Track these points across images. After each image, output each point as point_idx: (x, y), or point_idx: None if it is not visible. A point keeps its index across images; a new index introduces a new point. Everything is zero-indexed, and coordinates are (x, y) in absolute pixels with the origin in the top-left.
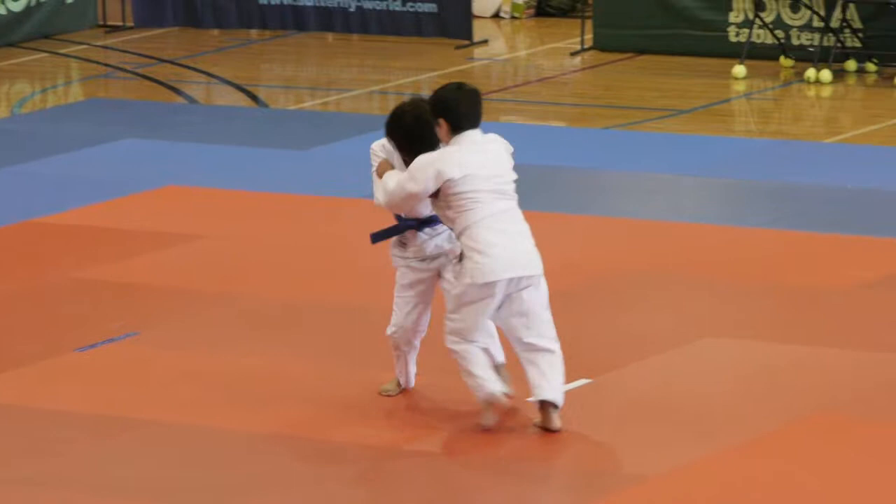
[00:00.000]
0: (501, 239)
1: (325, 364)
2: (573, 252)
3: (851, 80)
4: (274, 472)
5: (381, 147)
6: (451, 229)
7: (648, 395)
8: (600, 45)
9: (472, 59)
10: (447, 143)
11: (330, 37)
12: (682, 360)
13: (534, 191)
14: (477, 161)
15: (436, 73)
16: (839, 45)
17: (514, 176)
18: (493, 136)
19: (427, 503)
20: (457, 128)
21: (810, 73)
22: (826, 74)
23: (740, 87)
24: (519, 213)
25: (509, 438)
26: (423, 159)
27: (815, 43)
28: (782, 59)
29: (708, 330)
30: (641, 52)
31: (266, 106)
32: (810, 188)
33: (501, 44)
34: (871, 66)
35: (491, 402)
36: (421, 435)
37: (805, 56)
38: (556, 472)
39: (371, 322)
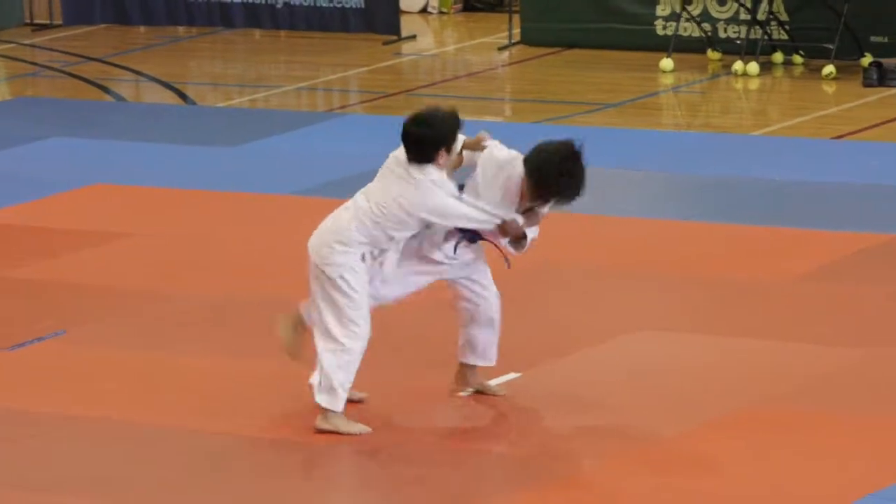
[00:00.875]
0: None
1: (258, 361)
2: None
3: (778, 72)
4: (207, 466)
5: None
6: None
7: (583, 388)
8: (528, 39)
9: (399, 54)
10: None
11: (257, 33)
12: (617, 353)
13: None
14: None
15: (364, 69)
16: (766, 37)
17: None
18: None
19: (367, 490)
20: None
21: (738, 65)
22: (753, 67)
23: (668, 80)
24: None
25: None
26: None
27: (742, 36)
28: (710, 52)
29: (641, 323)
30: (569, 46)
31: (194, 103)
32: (739, 181)
33: (429, 39)
34: (797, 59)
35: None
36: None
37: (732, 49)
38: (490, 462)
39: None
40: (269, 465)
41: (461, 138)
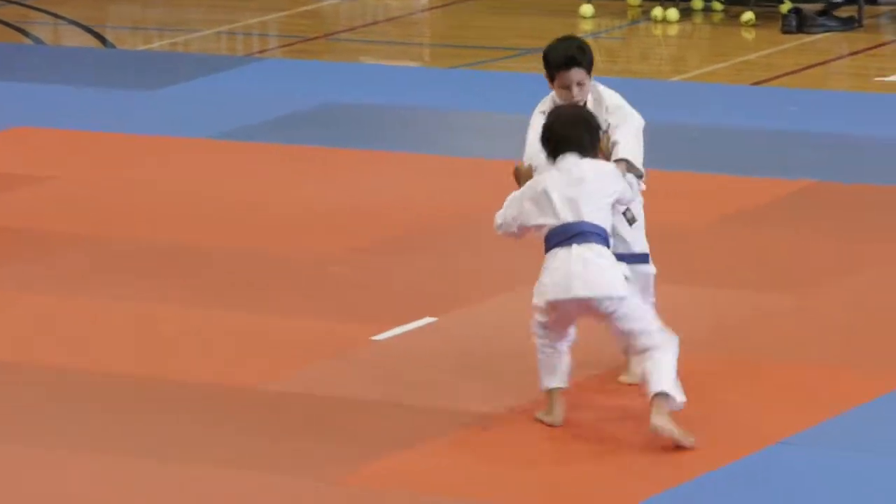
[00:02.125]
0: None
1: (179, 307)
2: (420, 192)
3: (698, 18)
4: (140, 415)
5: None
6: None
7: (494, 334)
8: None
9: None
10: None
11: None
12: (524, 300)
13: (384, 131)
14: None
15: (284, 14)
16: None
17: None
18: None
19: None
20: None
21: (657, 11)
22: (673, 13)
23: (588, 26)
24: None
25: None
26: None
27: None
28: None
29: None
30: None
31: (114, 47)
32: (657, 127)
33: None
34: (717, 5)
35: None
36: (280, 373)
37: None
38: (385, 409)
39: (230, 262)
40: (183, 408)
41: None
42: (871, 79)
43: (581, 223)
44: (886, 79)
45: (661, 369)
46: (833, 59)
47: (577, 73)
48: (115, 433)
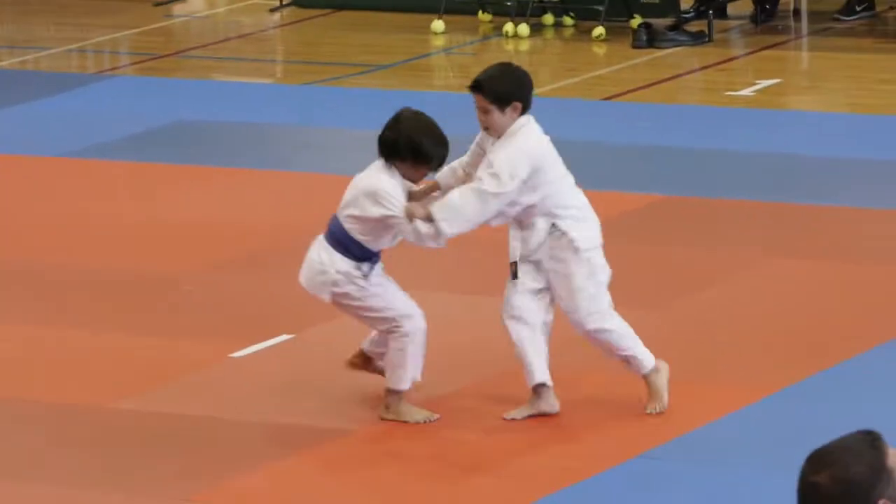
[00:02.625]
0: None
1: (40, 325)
2: (273, 209)
3: (549, 34)
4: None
5: (392, 187)
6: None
7: (351, 350)
8: (299, 1)
9: (170, 16)
10: (505, 129)
11: None
12: None
13: (237, 148)
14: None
15: (135, 31)
16: None
17: None
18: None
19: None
20: (527, 108)
21: (508, 27)
22: (524, 28)
23: (439, 41)
24: None
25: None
26: (511, 152)
27: None
28: (480, 13)
29: (425, 284)
30: (340, 7)
31: None
32: None
33: (200, 1)
34: (568, 20)
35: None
36: (135, 392)
37: (503, 10)
38: (242, 427)
39: (82, 280)
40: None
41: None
42: (722, 93)
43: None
44: (736, 93)
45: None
46: (684, 74)
47: (478, 99)
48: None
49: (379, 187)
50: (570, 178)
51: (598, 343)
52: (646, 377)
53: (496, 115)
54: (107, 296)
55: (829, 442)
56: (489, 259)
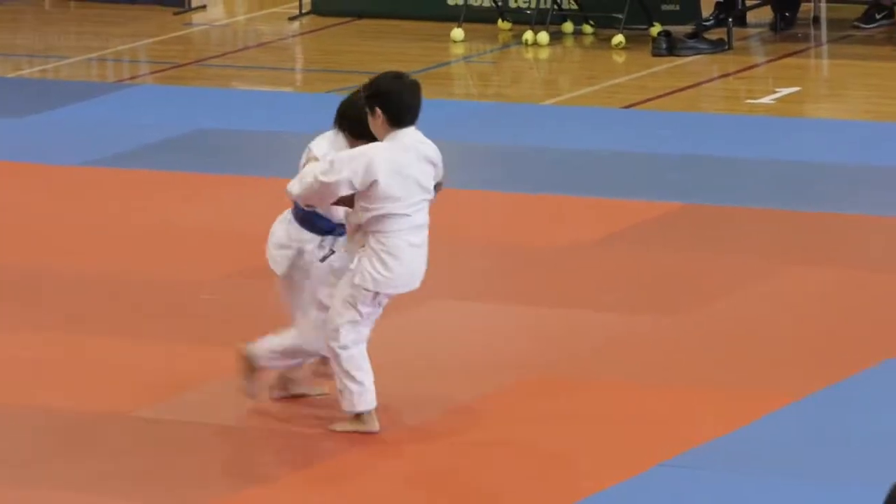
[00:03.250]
0: (408, 255)
1: (61, 332)
2: None
3: (569, 42)
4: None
5: (327, 143)
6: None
7: (375, 356)
8: (318, 9)
9: (190, 24)
10: (382, 138)
11: (47, 3)
12: (403, 323)
13: (256, 156)
14: (409, 163)
15: (153, 40)
16: (556, 7)
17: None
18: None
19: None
20: (397, 122)
21: (528, 35)
22: (543, 37)
23: (459, 50)
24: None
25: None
26: (351, 151)
27: (532, 6)
28: (500, 22)
29: (428, 292)
30: (359, 16)
31: None
32: (530, 150)
33: (220, 9)
34: (587, 28)
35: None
36: (153, 400)
37: (522, 18)
38: (277, 435)
39: (102, 288)
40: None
41: None
42: (742, 101)
43: None
44: (756, 101)
45: None
46: (704, 82)
47: None
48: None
49: (311, 145)
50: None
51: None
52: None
53: (370, 119)
54: (126, 303)
55: None
56: (493, 265)
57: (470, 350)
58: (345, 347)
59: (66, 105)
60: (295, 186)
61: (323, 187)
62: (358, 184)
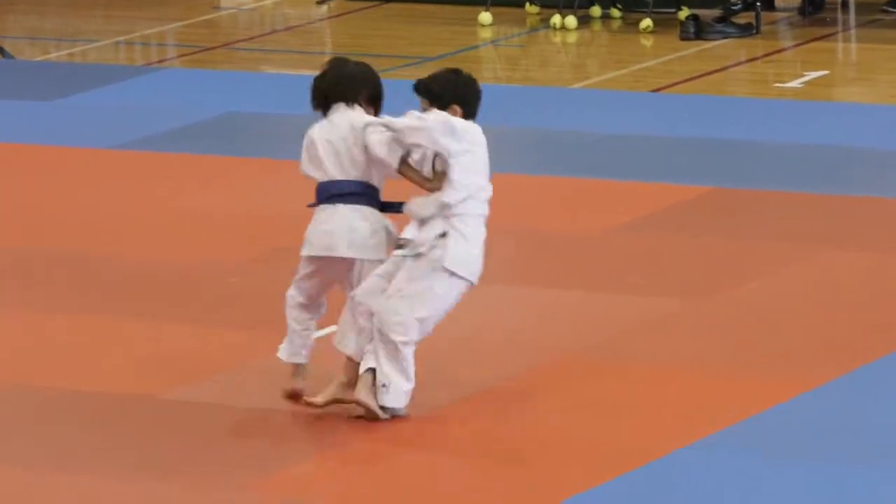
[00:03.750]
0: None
1: (90, 314)
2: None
3: (596, 25)
4: (41, 426)
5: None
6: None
7: None
8: None
9: (218, 8)
10: None
11: None
12: None
13: (285, 140)
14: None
15: (182, 24)
16: None
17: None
18: None
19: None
20: (472, 116)
21: (556, 19)
22: (571, 20)
23: (487, 33)
24: None
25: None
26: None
27: None
28: (528, 5)
29: None
30: (387, 0)
31: (12, 57)
32: (558, 133)
33: None
34: (615, 12)
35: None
36: (184, 383)
37: (550, 2)
38: (308, 416)
39: (131, 271)
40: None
41: None
42: (770, 85)
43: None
44: (784, 85)
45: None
46: (731, 66)
47: (420, 101)
48: (8, 443)
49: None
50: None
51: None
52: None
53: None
54: (156, 286)
55: None
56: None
57: (495, 333)
58: (407, 344)
59: (94, 88)
60: (399, 123)
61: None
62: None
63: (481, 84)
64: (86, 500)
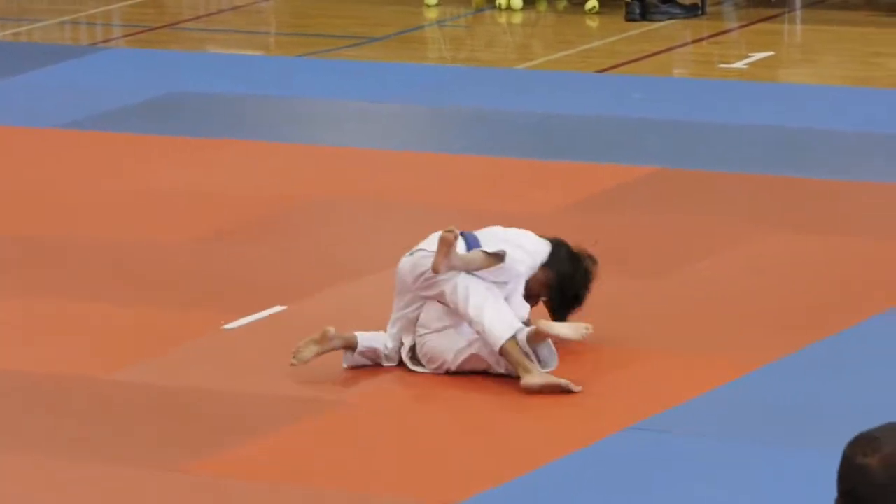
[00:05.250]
0: None
1: (32, 295)
2: (265, 180)
3: (542, 6)
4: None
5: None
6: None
7: (344, 321)
8: None
9: None
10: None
11: None
12: (372, 287)
13: (230, 119)
14: None
15: (127, 3)
16: None
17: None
18: None
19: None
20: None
21: (501, 0)
22: (517, 1)
23: (432, 14)
24: None
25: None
26: None
27: None
28: None
29: (401, 257)
30: None
31: None
32: (503, 114)
33: None
34: None
35: None
36: (128, 363)
37: None
38: (236, 398)
39: (75, 252)
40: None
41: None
42: (715, 66)
43: None
44: (729, 66)
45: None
46: (677, 47)
47: None
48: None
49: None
50: None
51: None
52: None
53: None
54: (100, 266)
55: (877, 427)
56: None
57: None
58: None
59: (40, 68)
60: None
61: None
62: None
63: (427, 64)
64: (19, 478)
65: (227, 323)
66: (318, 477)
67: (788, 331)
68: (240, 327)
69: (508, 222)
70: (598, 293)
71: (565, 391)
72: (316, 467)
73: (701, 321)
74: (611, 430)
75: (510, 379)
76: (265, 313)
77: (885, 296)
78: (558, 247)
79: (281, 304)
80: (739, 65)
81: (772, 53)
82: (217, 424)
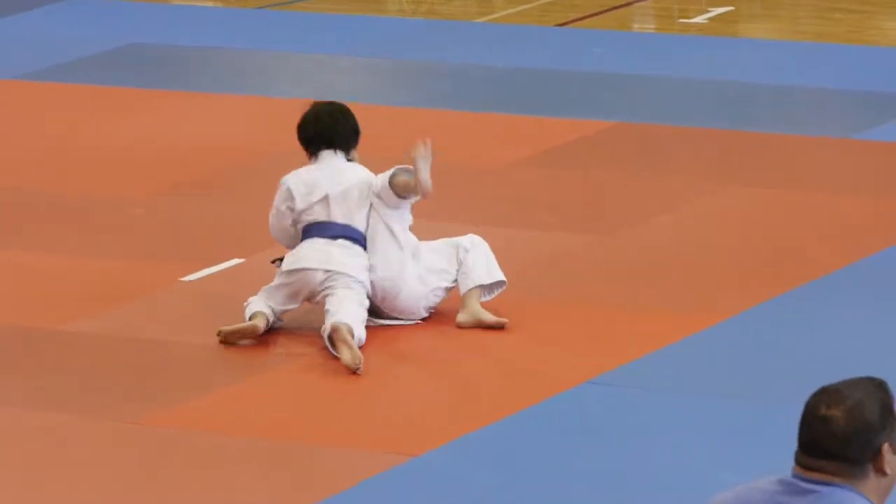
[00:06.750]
0: None
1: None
2: (224, 133)
3: None
4: None
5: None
6: None
7: None
8: None
9: None
10: None
11: None
12: None
13: (188, 71)
14: None
15: None
16: None
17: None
18: None
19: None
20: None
21: None
22: None
23: None
24: None
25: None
26: None
27: None
28: None
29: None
30: None
31: None
32: (462, 67)
33: None
34: None
35: None
36: (85, 315)
37: None
38: (192, 350)
39: (30, 203)
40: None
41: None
42: (675, 20)
43: None
44: (689, 20)
45: None
46: (637, 1)
47: None
48: None
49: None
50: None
51: None
52: None
53: None
54: (58, 218)
55: (840, 381)
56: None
57: None
58: None
59: (2, 17)
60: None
61: None
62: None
63: (387, 17)
64: None
65: (185, 275)
66: (280, 429)
67: (744, 286)
68: (198, 279)
69: (466, 176)
70: (555, 249)
71: (496, 327)
72: (278, 420)
73: (657, 276)
74: (568, 384)
75: (471, 333)
76: (223, 266)
77: (839, 250)
78: None
79: (239, 258)
80: (699, 19)
81: (731, 8)
82: (176, 377)
